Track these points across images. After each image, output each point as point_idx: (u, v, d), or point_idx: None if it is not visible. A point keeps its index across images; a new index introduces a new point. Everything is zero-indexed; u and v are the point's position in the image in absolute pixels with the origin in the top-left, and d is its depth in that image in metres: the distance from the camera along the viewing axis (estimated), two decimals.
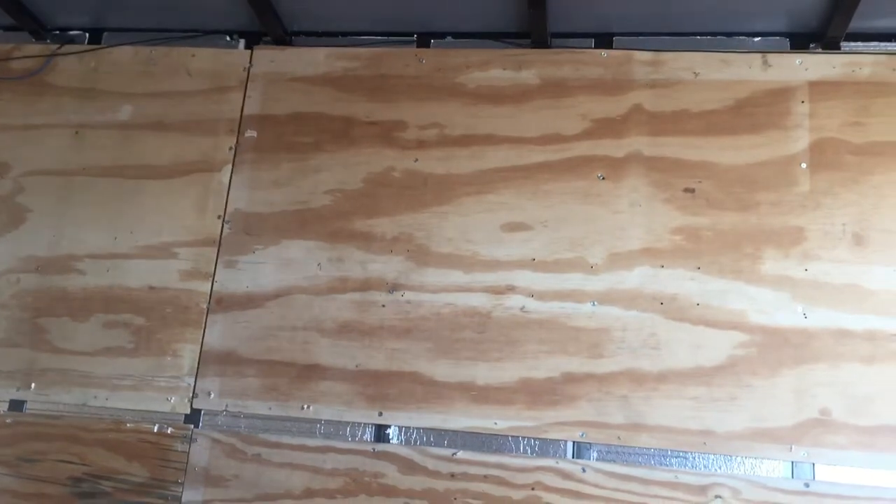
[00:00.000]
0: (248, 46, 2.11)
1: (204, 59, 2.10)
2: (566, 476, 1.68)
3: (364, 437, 1.78)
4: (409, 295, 1.84)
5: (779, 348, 1.68)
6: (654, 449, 1.68)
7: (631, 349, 1.72)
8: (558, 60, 1.95)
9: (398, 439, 1.77)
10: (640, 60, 1.92)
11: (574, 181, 1.85)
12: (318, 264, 1.89)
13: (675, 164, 1.83)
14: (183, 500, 1.77)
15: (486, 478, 1.71)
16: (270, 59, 2.07)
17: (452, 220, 1.87)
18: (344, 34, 2.09)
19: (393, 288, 1.84)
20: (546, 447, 1.71)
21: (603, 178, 1.85)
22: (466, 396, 1.75)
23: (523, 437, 1.72)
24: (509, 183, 1.87)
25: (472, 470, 1.71)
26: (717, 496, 1.63)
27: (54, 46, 2.17)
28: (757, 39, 1.92)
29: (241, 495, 1.76)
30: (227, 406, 1.82)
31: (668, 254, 1.77)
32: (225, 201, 1.96)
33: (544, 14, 1.88)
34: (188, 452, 1.81)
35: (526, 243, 1.83)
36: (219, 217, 1.96)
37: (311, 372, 1.82)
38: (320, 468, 1.76)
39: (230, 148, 2.01)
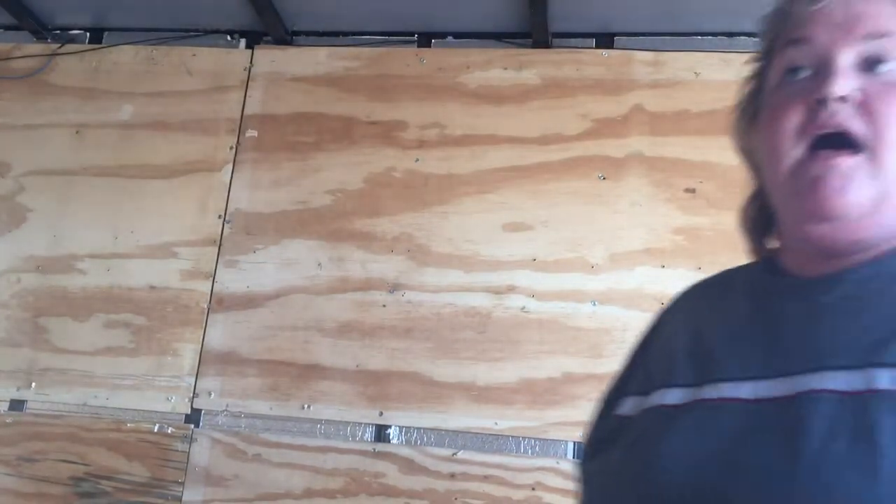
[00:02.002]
0: (249, 46, 2.11)
1: (205, 58, 2.10)
2: (567, 476, 1.68)
3: (364, 437, 1.78)
4: (409, 295, 1.83)
5: None
6: None
7: None
8: (559, 60, 1.95)
9: (398, 439, 1.77)
10: (641, 60, 1.92)
11: (575, 181, 1.85)
12: (319, 264, 1.89)
13: (676, 164, 1.83)
14: (183, 499, 1.77)
15: (486, 478, 1.70)
16: (271, 58, 2.07)
17: (453, 220, 1.87)
18: (345, 34, 2.09)
19: (393, 288, 1.84)
20: (547, 447, 1.71)
21: (603, 178, 1.85)
22: (467, 396, 1.75)
23: (524, 437, 1.72)
24: (510, 183, 1.87)
25: (473, 470, 1.71)
26: None
27: (55, 46, 2.17)
28: (758, 39, 1.92)
29: (242, 495, 1.76)
30: (227, 406, 1.82)
31: (669, 254, 1.77)
32: (226, 201, 1.96)
33: (545, 14, 1.88)
34: (188, 452, 1.81)
35: (526, 243, 1.82)
36: (219, 216, 1.96)
37: (311, 372, 1.81)
38: (321, 468, 1.76)
39: (231, 147, 2.01)
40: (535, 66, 1.95)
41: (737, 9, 1.86)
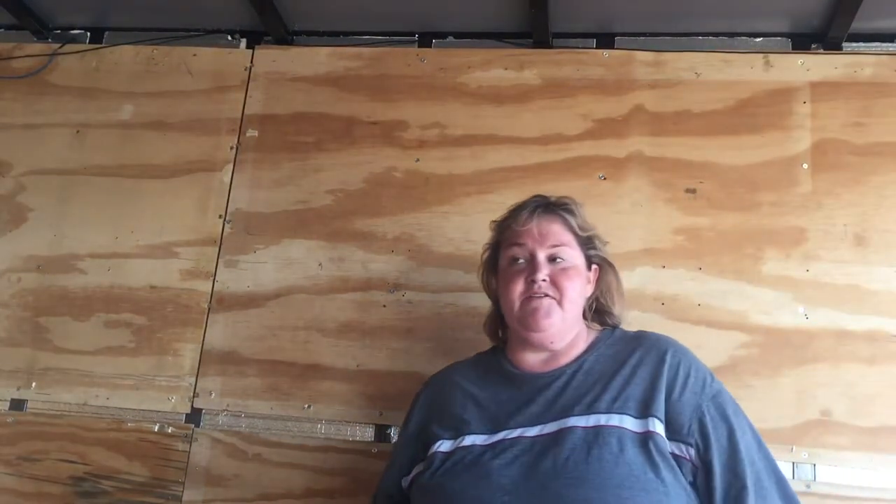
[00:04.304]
0: (250, 46, 2.11)
1: (205, 58, 2.10)
2: None
3: (365, 437, 1.78)
4: (409, 295, 1.83)
5: (780, 349, 1.68)
6: None
7: None
8: (560, 60, 1.95)
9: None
10: (642, 61, 1.92)
11: (575, 181, 1.85)
12: (320, 264, 1.89)
13: (677, 164, 1.83)
14: (184, 499, 1.77)
15: None
16: (272, 58, 2.07)
17: (453, 220, 1.87)
18: (345, 34, 2.10)
19: (394, 288, 1.84)
20: None
21: (604, 179, 1.85)
22: None
23: None
24: (510, 183, 1.87)
25: None
26: None
27: (56, 45, 2.17)
28: (759, 40, 1.92)
29: (242, 495, 1.76)
30: (227, 405, 1.82)
31: (670, 254, 1.77)
32: (226, 200, 1.96)
33: (546, 14, 1.88)
34: (189, 452, 1.80)
35: None
36: (220, 216, 1.96)
37: (312, 371, 1.81)
38: (321, 468, 1.76)
39: (231, 147, 2.01)
40: (535, 66, 1.95)
41: (737, 9, 1.86)
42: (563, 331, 1.31)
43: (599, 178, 1.85)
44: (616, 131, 1.87)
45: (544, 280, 1.30)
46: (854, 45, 1.88)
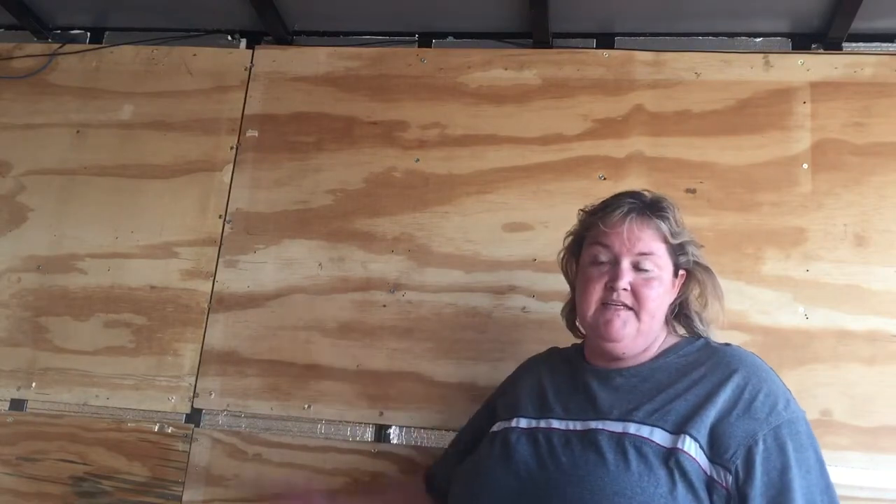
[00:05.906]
0: (250, 46, 2.11)
1: (205, 58, 2.10)
2: None
3: (365, 437, 1.78)
4: (410, 295, 1.83)
5: (780, 349, 1.68)
6: None
7: None
8: (560, 60, 1.95)
9: (398, 439, 1.77)
10: (642, 61, 1.92)
11: (575, 181, 1.85)
12: (320, 264, 1.89)
13: (677, 164, 1.83)
14: (183, 499, 1.77)
15: None
16: (272, 58, 2.07)
17: (453, 220, 1.87)
18: (345, 34, 2.10)
19: (394, 288, 1.84)
20: None
21: (604, 179, 1.85)
22: (467, 396, 1.75)
23: None
24: (510, 183, 1.87)
25: None
26: None
27: (56, 45, 2.17)
28: (759, 40, 1.93)
29: (242, 495, 1.76)
30: (228, 406, 1.82)
31: None
32: (226, 200, 1.96)
33: (546, 14, 1.88)
34: (189, 452, 1.80)
35: (527, 243, 1.82)
36: (220, 216, 1.96)
37: (312, 372, 1.81)
38: (321, 468, 1.76)
39: (231, 147, 2.01)
40: (535, 67, 1.96)
41: (737, 9, 1.86)
42: (637, 342, 1.25)
43: (599, 178, 1.85)
44: (616, 131, 1.87)
45: (625, 289, 1.24)
46: (854, 45, 1.88)
